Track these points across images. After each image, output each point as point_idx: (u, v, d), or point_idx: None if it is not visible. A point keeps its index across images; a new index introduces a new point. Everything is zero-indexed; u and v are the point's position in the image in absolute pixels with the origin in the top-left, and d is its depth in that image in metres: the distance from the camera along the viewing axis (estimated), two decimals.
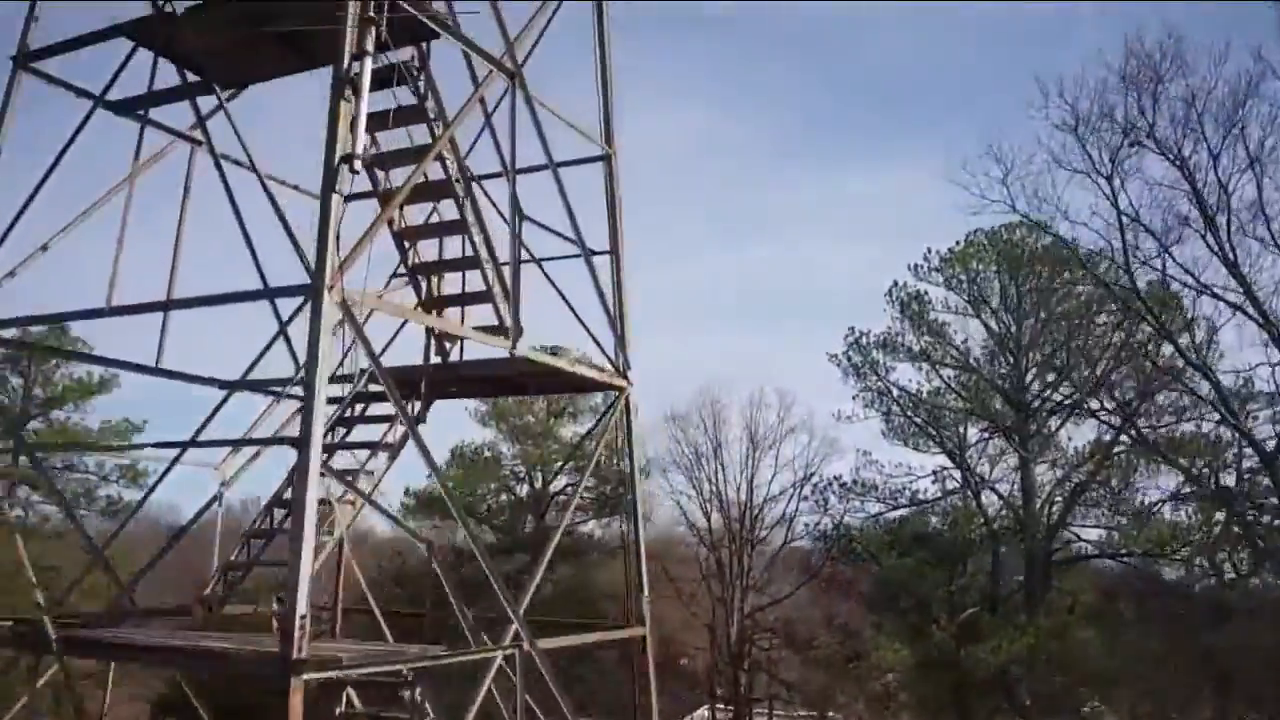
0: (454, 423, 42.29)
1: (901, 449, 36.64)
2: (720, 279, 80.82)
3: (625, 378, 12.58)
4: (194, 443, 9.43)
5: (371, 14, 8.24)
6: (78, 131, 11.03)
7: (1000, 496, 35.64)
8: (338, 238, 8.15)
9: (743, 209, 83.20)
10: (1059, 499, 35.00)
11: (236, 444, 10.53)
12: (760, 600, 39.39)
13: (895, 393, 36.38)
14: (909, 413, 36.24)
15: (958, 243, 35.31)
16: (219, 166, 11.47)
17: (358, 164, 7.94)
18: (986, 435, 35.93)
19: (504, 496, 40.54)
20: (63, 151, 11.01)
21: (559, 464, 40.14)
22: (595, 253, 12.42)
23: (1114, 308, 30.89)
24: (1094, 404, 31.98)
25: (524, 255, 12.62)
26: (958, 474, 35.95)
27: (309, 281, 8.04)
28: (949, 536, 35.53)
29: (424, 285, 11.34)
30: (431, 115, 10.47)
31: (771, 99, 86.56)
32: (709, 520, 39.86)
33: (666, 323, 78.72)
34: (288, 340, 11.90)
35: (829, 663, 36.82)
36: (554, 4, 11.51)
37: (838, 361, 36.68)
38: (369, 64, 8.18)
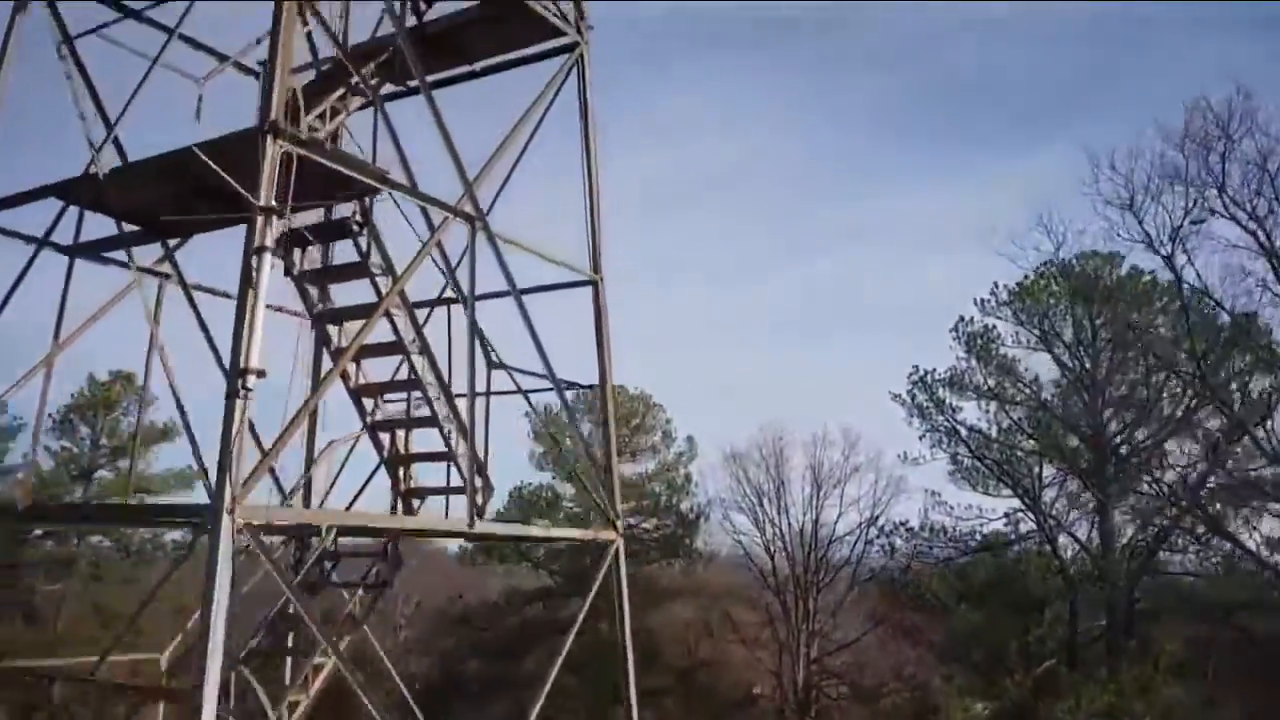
0: (512, 465, 41.79)
1: (971, 492, 34.94)
2: (785, 296, 79.46)
3: (615, 528, 11.61)
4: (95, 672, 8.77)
5: (273, 204, 7.44)
6: (22, 275, 10.57)
7: (1078, 541, 33.90)
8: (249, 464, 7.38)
9: (806, 224, 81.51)
10: (1142, 544, 33.10)
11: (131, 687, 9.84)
12: (826, 645, 38.04)
13: (964, 433, 34.78)
14: (979, 454, 34.60)
15: (1026, 276, 33.57)
16: (190, 299, 10.96)
17: (252, 379, 7.16)
18: (1061, 477, 34.14)
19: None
20: (8, 295, 10.54)
21: (619, 505, 39.37)
22: (583, 386, 11.57)
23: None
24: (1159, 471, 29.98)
25: (509, 386, 11.90)
26: (1031, 518, 34.25)
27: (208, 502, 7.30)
28: (1023, 584, 33.84)
29: (388, 440, 10.55)
30: (378, 270, 9.68)
31: (833, 113, 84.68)
32: (773, 562, 38.64)
33: (729, 340, 77.59)
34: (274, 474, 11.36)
35: (898, 714, 35.39)
36: (524, 139, 10.66)
37: (901, 401, 35.21)
38: (267, 261, 7.38)
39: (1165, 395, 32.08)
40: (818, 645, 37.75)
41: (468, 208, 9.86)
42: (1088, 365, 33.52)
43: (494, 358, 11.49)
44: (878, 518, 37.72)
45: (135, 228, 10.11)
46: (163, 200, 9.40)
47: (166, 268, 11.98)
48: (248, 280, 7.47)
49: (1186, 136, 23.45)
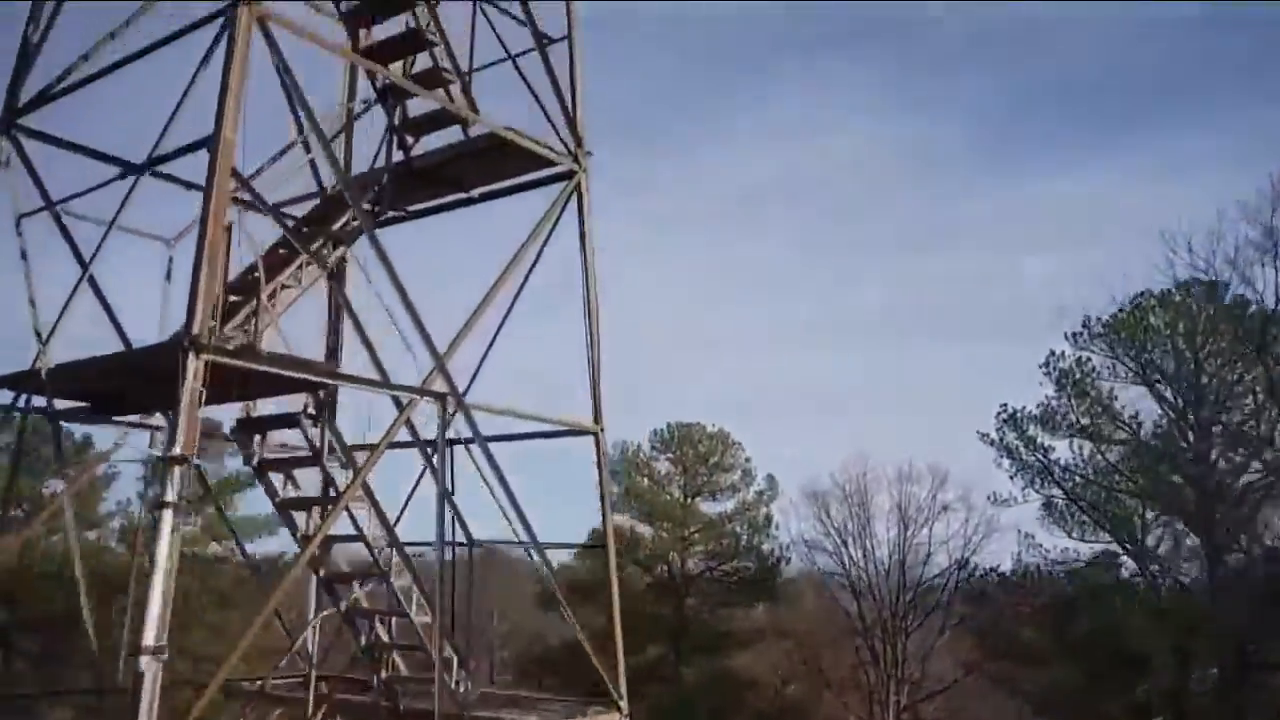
0: (586, 510, 41.40)
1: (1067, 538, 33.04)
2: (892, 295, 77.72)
3: (619, 708, 10.71)
4: None
5: (177, 453, 6.75)
6: None
7: (1185, 588, 31.69)
8: None
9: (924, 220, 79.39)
10: (1255, 590, 30.77)
11: None
12: (917, 693, 36.51)
13: (1057, 474, 32.89)
14: (1074, 496, 32.70)
15: (1121, 310, 31.54)
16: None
17: (147, 660, 6.49)
18: (1165, 521, 31.98)
19: (643, 580, 38.90)
20: None
21: (699, 546, 38.51)
22: (587, 546, 10.75)
23: None
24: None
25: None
26: (1133, 562, 32.24)
27: None
28: (1126, 632, 31.82)
29: (363, 629, 9.85)
30: (337, 463, 8.98)
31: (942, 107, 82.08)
32: (859, 604, 37.22)
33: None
34: None
35: None
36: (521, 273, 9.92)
37: (990, 441, 33.43)
38: (169, 520, 6.69)
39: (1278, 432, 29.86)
40: (908, 692, 36.27)
41: (438, 385, 9.09)
42: (1192, 400, 31.31)
43: (474, 536, 10.68)
44: (968, 560, 36.11)
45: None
46: (107, 389, 8.91)
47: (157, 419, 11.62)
48: (157, 538, 6.81)
49: None
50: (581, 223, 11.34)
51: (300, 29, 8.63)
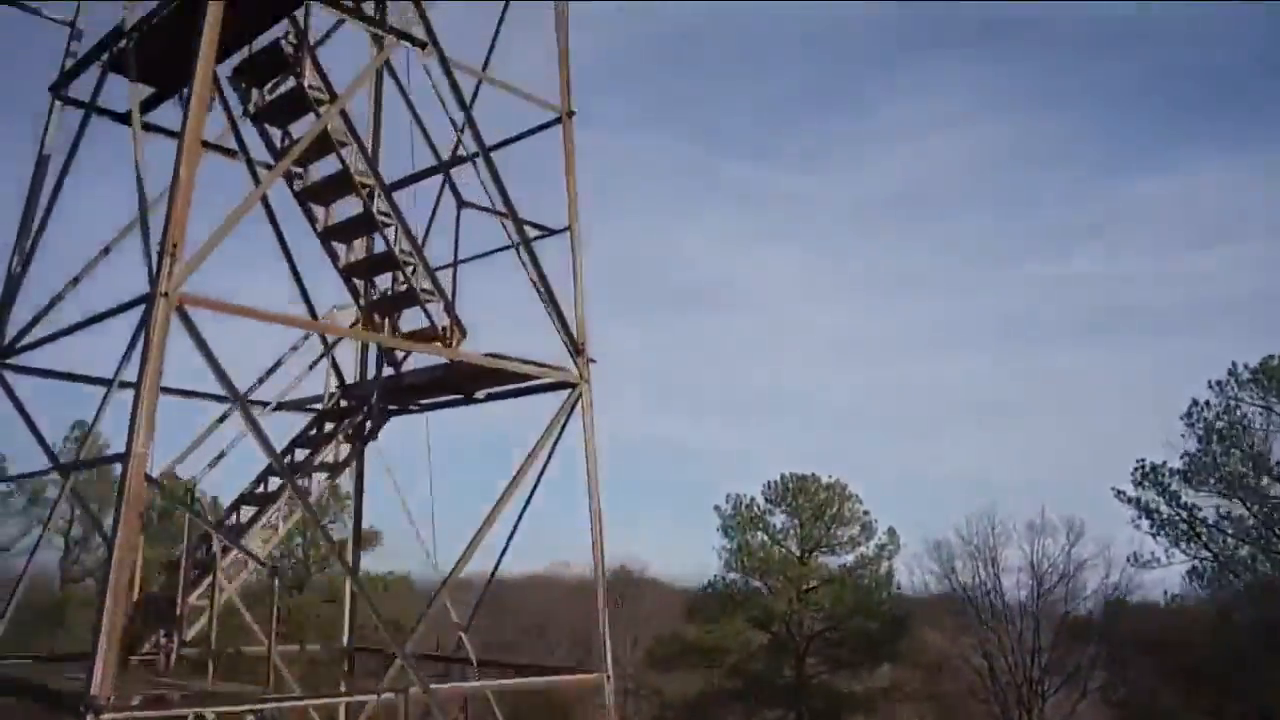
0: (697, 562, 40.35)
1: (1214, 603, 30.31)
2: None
3: None
4: None
5: None
6: None
7: None
8: None
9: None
10: None
11: None
12: None
13: (1204, 534, 30.22)
14: (1223, 557, 30.00)
15: (1271, 356, 28.71)
16: None
17: None
18: None
19: (762, 638, 37.50)
20: None
21: (818, 604, 36.97)
22: None
23: None
24: None
25: None
26: None
27: None
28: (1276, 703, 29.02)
29: None
30: None
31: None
32: (991, 667, 35.00)
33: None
34: None
35: None
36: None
37: (1126, 499, 30.95)
38: None
39: None
40: None
41: (398, 680, 8.24)
42: None
43: None
44: (1107, 621, 33.62)
45: None
46: None
47: None
48: None
49: None
50: (587, 435, 10.30)
51: (234, 307, 7.82)
